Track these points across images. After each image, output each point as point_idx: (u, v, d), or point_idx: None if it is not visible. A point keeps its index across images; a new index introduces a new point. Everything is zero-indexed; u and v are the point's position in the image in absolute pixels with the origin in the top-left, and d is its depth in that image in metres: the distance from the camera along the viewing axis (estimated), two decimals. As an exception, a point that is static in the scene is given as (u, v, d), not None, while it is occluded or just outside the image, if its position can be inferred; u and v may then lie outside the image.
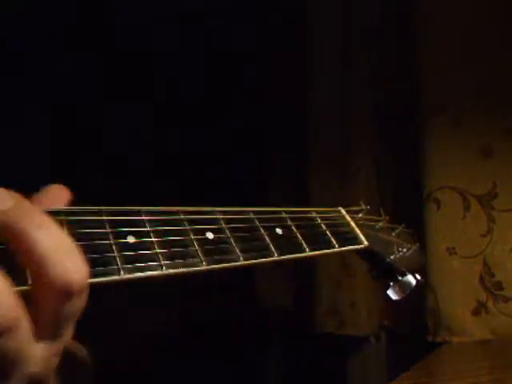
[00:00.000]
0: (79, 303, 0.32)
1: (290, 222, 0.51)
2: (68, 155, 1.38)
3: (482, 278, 1.07)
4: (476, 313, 1.08)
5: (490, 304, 1.07)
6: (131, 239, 0.37)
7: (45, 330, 0.32)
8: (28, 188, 0.36)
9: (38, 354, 0.32)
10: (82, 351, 0.50)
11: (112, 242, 0.35)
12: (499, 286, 1.06)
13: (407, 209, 1.14)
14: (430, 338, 1.12)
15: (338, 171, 1.30)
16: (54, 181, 0.39)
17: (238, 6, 1.53)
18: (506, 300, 1.05)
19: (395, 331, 1.26)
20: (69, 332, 0.33)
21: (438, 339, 1.10)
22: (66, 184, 0.39)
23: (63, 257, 0.30)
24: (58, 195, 0.38)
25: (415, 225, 1.10)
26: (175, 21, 1.56)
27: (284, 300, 1.47)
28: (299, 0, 1.41)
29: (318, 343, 1.37)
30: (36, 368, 0.32)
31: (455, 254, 1.10)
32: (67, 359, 0.39)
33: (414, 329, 1.16)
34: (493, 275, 1.07)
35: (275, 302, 1.49)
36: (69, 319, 0.32)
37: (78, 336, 0.38)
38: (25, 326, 0.31)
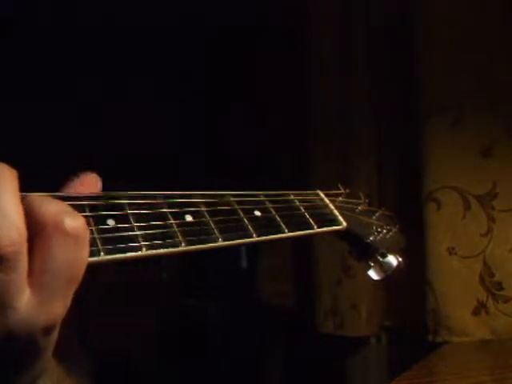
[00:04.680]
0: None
1: (268, 205, 0.52)
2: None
3: (482, 278, 1.07)
4: (476, 313, 1.08)
5: (490, 304, 1.07)
6: (111, 222, 0.38)
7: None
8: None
9: (25, 302, 0.31)
10: (82, 351, 0.50)
11: (92, 227, 0.36)
12: (499, 286, 1.06)
13: (407, 209, 1.14)
14: (430, 338, 1.11)
15: (338, 171, 1.30)
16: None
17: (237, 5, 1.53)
18: (506, 300, 1.05)
19: (395, 331, 1.26)
20: (58, 306, 0.33)
21: (438, 339, 1.10)
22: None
23: None
24: (93, 183, 0.40)
25: (415, 225, 1.11)
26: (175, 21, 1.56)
27: (284, 300, 1.47)
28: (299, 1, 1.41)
29: (318, 343, 1.37)
30: (17, 319, 0.31)
31: (455, 254, 1.10)
32: (68, 360, 0.39)
33: (414, 329, 1.16)
34: (493, 275, 1.07)
35: (275, 302, 1.49)
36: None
37: (79, 336, 0.38)
38: (23, 262, 0.31)
